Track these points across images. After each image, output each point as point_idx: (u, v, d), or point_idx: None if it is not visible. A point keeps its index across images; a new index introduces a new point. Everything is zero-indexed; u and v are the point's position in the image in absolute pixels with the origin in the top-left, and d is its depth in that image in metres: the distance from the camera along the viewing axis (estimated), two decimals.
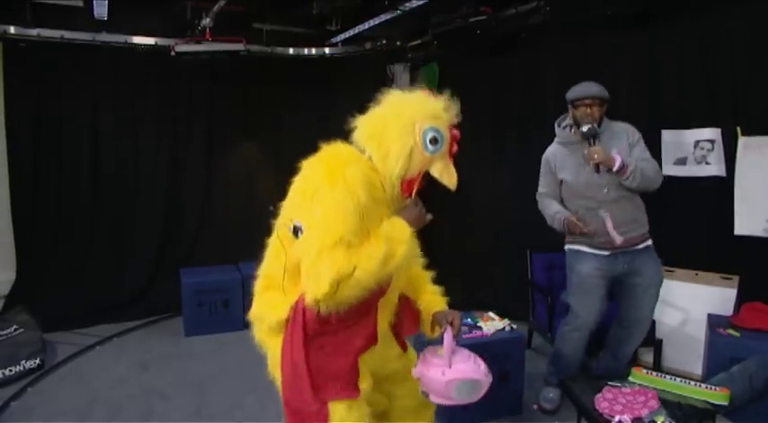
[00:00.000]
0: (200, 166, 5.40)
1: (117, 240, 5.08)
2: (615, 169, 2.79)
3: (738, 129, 3.38)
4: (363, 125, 1.70)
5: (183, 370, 3.90)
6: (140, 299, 5.00)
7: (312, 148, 5.84)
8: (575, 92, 2.95)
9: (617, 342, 3.17)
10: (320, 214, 1.54)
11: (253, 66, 5.29)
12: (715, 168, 3.55)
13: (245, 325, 4.60)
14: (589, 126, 2.84)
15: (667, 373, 2.77)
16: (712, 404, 2.46)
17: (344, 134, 5.67)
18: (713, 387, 2.58)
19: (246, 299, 4.66)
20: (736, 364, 2.81)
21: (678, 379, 2.64)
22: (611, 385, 2.57)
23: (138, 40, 4.78)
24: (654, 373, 2.71)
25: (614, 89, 4.03)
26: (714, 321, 3.34)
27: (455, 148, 1.69)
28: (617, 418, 2.33)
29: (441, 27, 4.40)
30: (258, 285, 1.91)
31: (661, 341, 3.64)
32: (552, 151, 3.11)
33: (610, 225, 2.85)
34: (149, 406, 3.37)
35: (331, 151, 1.68)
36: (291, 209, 1.70)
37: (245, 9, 4.83)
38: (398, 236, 1.58)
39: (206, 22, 4.47)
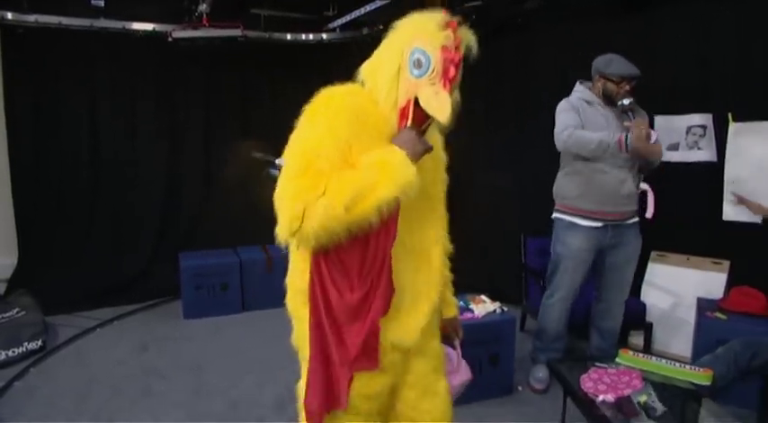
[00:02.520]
0: (198, 152, 5.44)
1: (117, 225, 5.14)
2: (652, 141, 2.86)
3: (730, 115, 3.41)
4: (365, 64, 1.53)
5: (181, 351, 3.98)
6: (140, 282, 5.07)
7: None
8: (616, 68, 2.94)
9: (599, 319, 3.25)
10: (294, 146, 1.41)
11: (251, 51, 5.31)
12: (707, 154, 3.58)
13: (244, 307, 4.74)
14: (630, 100, 2.92)
15: (657, 356, 2.82)
16: (695, 384, 2.52)
17: None
18: (697, 368, 2.64)
19: (245, 282, 4.77)
20: (721, 347, 2.88)
21: (664, 360, 2.70)
22: (597, 366, 2.63)
23: (135, 26, 4.80)
24: (640, 355, 2.77)
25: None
26: (703, 305, 3.39)
27: (451, 71, 1.40)
28: (601, 397, 2.39)
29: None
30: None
31: (651, 324, 3.69)
32: (575, 102, 3.04)
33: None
34: (148, 385, 3.44)
35: (327, 88, 1.50)
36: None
37: None
38: (385, 159, 1.36)
39: (203, 7, 4.48)
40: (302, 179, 1.33)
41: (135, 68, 5.10)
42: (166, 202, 5.32)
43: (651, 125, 3.76)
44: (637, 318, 3.65)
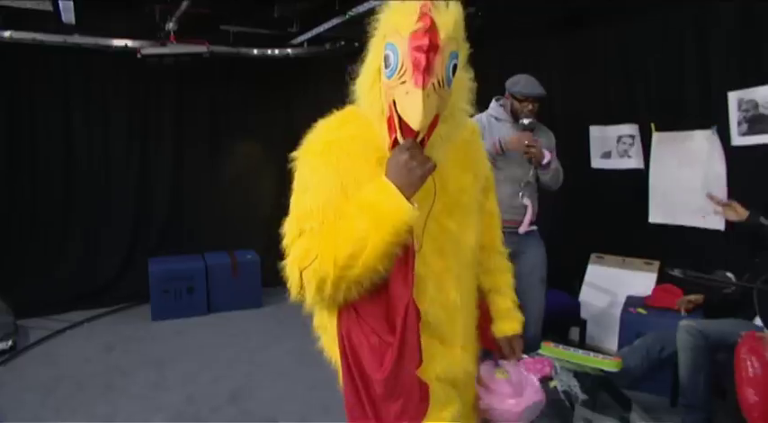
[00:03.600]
0: (169, 164, 5.66)
1: (89, 232, 5.34)
2: (543, 163, 3.07)
3: (653, 125, 3.68)
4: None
5: (146, 350, 4.18)
6: (112, 287, 5.28)
7: (275, 145, 6.25)
8: (522, 87, 3.15)
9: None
10: (291, 209, 1.33)
11: (221, 66, 5.56)
12: (635, 161, 3.86)
13: (210, 309, 4.94)
14: (530, 120, 3.11)
15: (587, 349, 3.05)
16: (604, 371, 2.76)
17: (309, 131, 5.85)
18: (607, 356, 2.88)
19: (210, 285, 4.97)
20: (638, 339, 3.13)
21: (581, 351, 2.93)
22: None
23: (108, 42, 5.02)
24: (561, 346, 3.00)
25: (549, 87, 4.37)
26: (630, 302, 3.64)
27: (421, 61, 1.09)
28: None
29: None
30: None
31: (585, 321, 3.94)
32: (484, 120, 3.24)
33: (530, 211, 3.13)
34: (110, 381, 3.65)
35: (318, 123, 1.36)
36: None
37: (212, 11, 5.09)
38: (371, 200, 1.19)
39: (170, 25, 4.72)
40: (296, 247, 1.26)
41: (108, 83, 5.33)
42: (138, 211, 5.53)
43: (587, 135, 4.06)
44: (572, 315, 3.91)
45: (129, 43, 5.06)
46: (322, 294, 1.24)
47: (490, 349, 1.69)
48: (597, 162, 4.05)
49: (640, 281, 3.90)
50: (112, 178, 5.42)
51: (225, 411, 3.28)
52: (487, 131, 3.16)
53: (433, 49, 1.10)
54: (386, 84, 1.17)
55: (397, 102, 1.16)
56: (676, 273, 2.74)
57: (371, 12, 3.57)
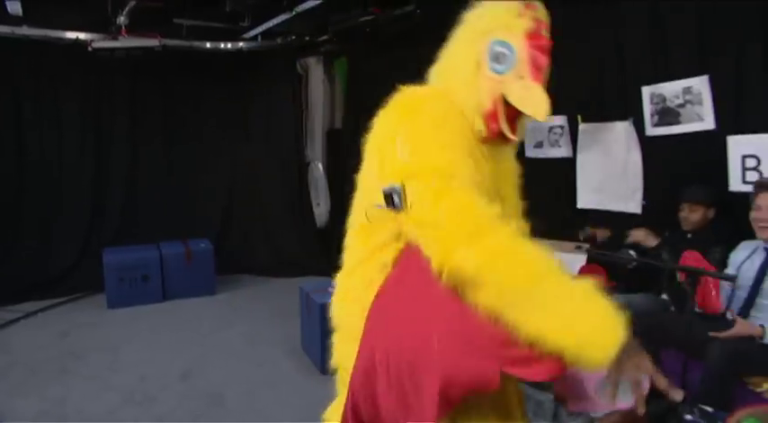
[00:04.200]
0: (123, 155, 5.73)
1: (44, 224, 5.39)
2: None
3: (579, 116, 3.95)
4: (434, 67, 1.38)
5: (100, 336, 4.31)
6: (66, 277, 5.34)
7: (228, 136, 6.42)
8: None
9: None
10: (414, 155, 1.19)
11: (174, 60, 5.64)
12: (565, 150, 4.12)
13: (165, 297, 5.06)
14: None
15: None
16: None
17: (262, 123, 6.16)
18: None
19: (165, 274, 5.10)
20: None
21: None
22: None
23: (58, 34, 5.06)
24: None
25: None
26: None
27: (541, 60, 1.24)
28: None
29: (338, 25, 4.87)
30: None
31: None
32: None
33: None
34: (64, 365, 3.78)
35: (402, 93, 1.33)
36: (369, 186, 1.33)
37: (165, 5, 5.18)
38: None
39: (122, 19, 4.80)
40: (455, 192, 1.12)
41: (60, 76, 5.36)
42: (93, 202, 5.60)
43: None
44: None
45: (81, 36, 5.12)
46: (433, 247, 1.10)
47: None
48: (531, 151, 4.31)
49: (572, 263, 4.17)
50: (66, 170, 5.47)
51: (175, 389, 3.45)
52: None
53: (549, 48, 1.26)
54: (494, 79, 1.25)
55: (511, 96, 1.25)
56: (582, 250, 3.00)
57: (316, 8, 3.72)
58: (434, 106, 1.27)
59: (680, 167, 3.45)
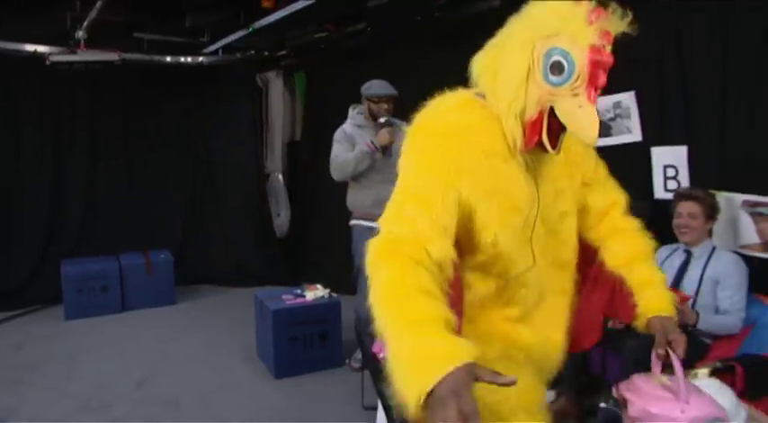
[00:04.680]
0: (83, 168, 5.75)
1: (2, 236, 5.38)
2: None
3: None
4: (480, 56, 1.29)
5: (57, 347, 4.34)
6: (23, 289, 5.34)
7: (189, 148, 6.52)
8: (375, 89, 3.56)
9: None
10: (400, 176, 1.26)
11: (135, 73, 5.72)
12: None
13: (124, 307, 5.10)
14: (386, 118, 3.51)
15: None
16: None
17: (222, 135, 6.25)
18: None
19: (125, 284, 5.14)
20: None
21: None
22: None
23: (16, 46, 5.09)
24: None
25: (422, 91, 4.80)
26: None
27: (600, 78, 1.14)
28: (381, 354, 3.02)
29: (295, 41, 5.05)
30: None
31: None
32: (349, 130, 3.64)
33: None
34: (18, 376, 3.81)
35: (431, 104, 1.31)
36: None
37: (126, 19, 5.27)
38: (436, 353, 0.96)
39: (80, 33, 4.87)
40: (401, 208, 1.21)
41: (18, 87, 5.40)
42: (52, 214, 5.61)
43: None
44: None
45: (39, 49, 5.16)
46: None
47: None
48: None
49: None
50: (24, 182, 5.48)
51: (131, 396, 3.53)
52: (351, 140, 3.56)
53: (610, 66, 1.15)
54: (547, 89, 1.16)
55: (561, 111, 1.16)
56: None
57: (273, 25, 3.84)
58: (436, 126, 1.24)
59: (615, 177, 3.68)
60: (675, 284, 2.90)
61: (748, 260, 3.00)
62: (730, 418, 1.59)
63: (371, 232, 3.71)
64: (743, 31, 3.00)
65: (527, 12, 1.22)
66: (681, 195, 3.00)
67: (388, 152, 3.47)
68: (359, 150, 3.46)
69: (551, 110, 1.18)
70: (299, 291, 3.85)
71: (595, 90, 1.15)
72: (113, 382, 3.70)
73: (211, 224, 6.25)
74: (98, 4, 4.30)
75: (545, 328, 1.40)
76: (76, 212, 5.74)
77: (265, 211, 6.28)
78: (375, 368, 2.95)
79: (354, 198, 3.71)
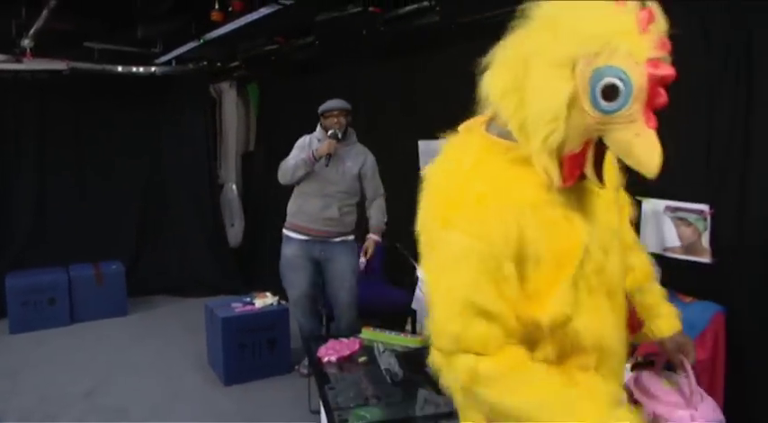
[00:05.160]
0: (31, 178, 5.66)
1: None
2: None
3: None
4: (496, 68, 1.05)
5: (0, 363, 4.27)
6: None
7: (141, 158, 6.47)
8: (326, 105, 3.72)
9: (338, 320, 3.89)
10: (435, 268, 1.09)
11: (85, 83, 5.68)
12: None
13: (73, 320, 5.04)
14: (333, 131, 3.64)
15: (415, 334, 3.56)
16: (407, 346, 3.29)
17: (175, 145, 6.23)
18: (414, 335, 3.43)
19: (73, 296, 5.07)
20: None
21: (393, 332, 3.45)
22: (335, 339, 3.35)
23: None
24: (378, 330, 3.51)
25: (383, 108, 4.97)
26: None
27: (661, 98, 0.94)
28: (326, 358, 3.11)
29: (246, 53, 5.12)
30: None
31: (415, 311, 4.50)
32: (309, 141, 3.77)
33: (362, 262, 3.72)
34: None
35: (446, 160, 1.16)
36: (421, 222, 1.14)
37: (75, 28, 5.24)
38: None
39: (26, 42, 4.83)
40: (471, 330, 1.02)
41: None
42: None
43: (417, 148, 4.67)
44: (405, 307, 4.45)
45: None
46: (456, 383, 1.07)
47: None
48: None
49: None
50: None
51: (77, 407, 3.52)
52: (308, 148, 3.67)
53: (672, 81, 0.94)
54: (597, 118, 0.94)
55: (615, 143, 0.96)
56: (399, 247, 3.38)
57: (225, 37, 3.92)
58: (472, 211, 1.02)
59: None
60: None
61: (671, 262, 3.22)
62: None
63: (287, 240, 3.79)
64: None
65: (551, 19, 0.96)
66: None
67: (326, 161, 3.58)
68: (299, 158, 3.59)
69: (598, 140, 0.98)
70: (248, 299, 3.91)
71: (654, 112, 0.94)
72: (59, 395, 3.68)
73: (165, 234, 6.22)
74: (45, 12, 4.28)
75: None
76: (24, 224, 5.64)
77: (219, 221, 6.29)
78: (320, 373, 3.04)
79: (289, 204, 3.85)
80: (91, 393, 3.69)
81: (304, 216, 3.70)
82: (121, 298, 5.33)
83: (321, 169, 3.60)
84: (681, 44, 3.20)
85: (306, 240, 3.72)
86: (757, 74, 2.82)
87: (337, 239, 3.74)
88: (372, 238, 3.79)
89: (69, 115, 5.86)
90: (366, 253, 3.76)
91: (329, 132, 3.62)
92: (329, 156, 3.56)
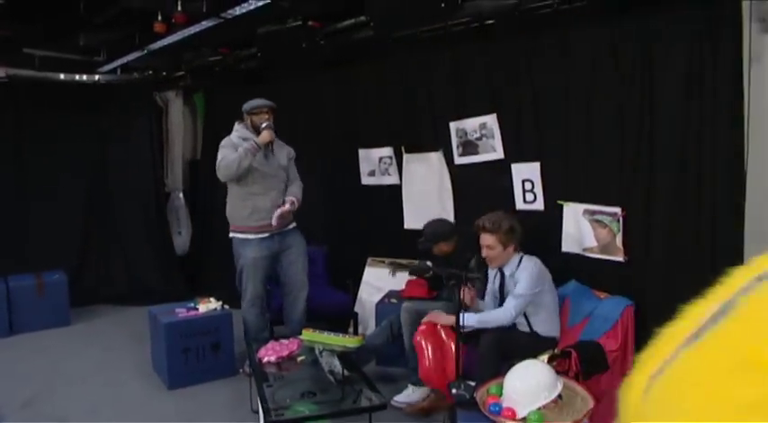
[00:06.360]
0: None
1: None
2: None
3: (403, 147, 4.51)
4: None
5: None
6: None
7: (84, 167, 6.46)
8: (252, 103, 3.94)
9: (289, 311, 4.07)
10: None
11: (26, 90, 5.63)
12: (393, 178, 4.67)
13: (12, 330, 4.97)
14: (267, 123, 3.85)
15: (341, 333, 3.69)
16: (346, 346, 3.43)
17: (120, 154, 6.20)
18: (352, 336, 3.58)
19: (12, 307, 5.00)
20: (384, 320, 3.88)
21: (332, 333, 3.58)
22: (275, 341, 3.47)
23: None
24: (318, 331, 3.63)
25: (326, 117, 5.12)
26: (388, 294, 4.42)
27: None
28: (265, 358, 3.23)
29: (191, 63, 5.19)
30: None
31: (357, 314, 4.65)
32: (235, 140, 3.89)
33: (277, 212, 3.82)
34: None
35: None
36: None
37: (13, 34, 5.20)
38: None
39: None
40: None
41: None
42: None
43: (357, 156, 4.83)
44: (346, 310, 4.59)
45: None
46: None
47: None
48: (366, 179, 4.83)
49: (403, 278, 4.70)
50: None
51: (16, 416, 3.51)
52: (235, 148, 3.81)
53: None
54: None
55: None
56: (385, 262, 3.49)
57: (169, 47, 4.05)
58: None
59: (482, 191, 4.09)
60: (500, 297, 3.37)
61: (589, 260, 3.49)
62: (549, 389, 2.10)
63: (247, 243, 4.00)
64: (578, 61, 3.46)
65: None
66: (477, 227, 3.33)
67: (269, 150, 3.85)
68: (242, 149, 3.74)
69: None
70: (191, 304, 3.98)
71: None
72: None
73: (110, 243, 6.19)
74: None
75: None
76: None
77: (165, 229, 6.30)
78: (259, 372, 3.15)
79: (232, 210, 3.98)
80: (29, 403, 3.68)
81: (259, 215, 3.85)
82: (64, 308, 5.29)
83: (261, 165, 3.81)
84: (594, 63, 3.49)
85: (265, 238, 3.89)
86: (657, 88, 3.11)
87: (290, 227, 4.02)
88: (290, 197, 3.96)
89: (8, 123, 5.78)
90: (281, 207, 3.88)
91: (264, 125, 3.84)
92: (270, 143, 3.81)
